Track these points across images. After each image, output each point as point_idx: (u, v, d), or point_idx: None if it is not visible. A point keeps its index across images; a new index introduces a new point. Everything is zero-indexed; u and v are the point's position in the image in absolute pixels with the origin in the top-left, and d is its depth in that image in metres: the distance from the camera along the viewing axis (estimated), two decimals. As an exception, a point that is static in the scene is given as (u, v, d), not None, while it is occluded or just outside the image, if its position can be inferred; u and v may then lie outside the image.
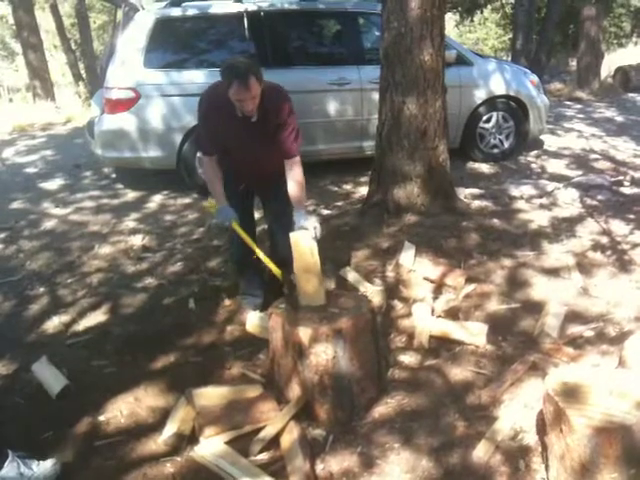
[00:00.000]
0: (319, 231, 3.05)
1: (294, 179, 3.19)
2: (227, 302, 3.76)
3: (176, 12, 5.91)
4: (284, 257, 3.27)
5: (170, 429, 2.59)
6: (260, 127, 3.12)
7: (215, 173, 3.28)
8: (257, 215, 3.81)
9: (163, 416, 2.73)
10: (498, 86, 6.59)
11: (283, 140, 3.16)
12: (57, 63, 23.04)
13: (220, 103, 3.06)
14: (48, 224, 5.38)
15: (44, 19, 20.68)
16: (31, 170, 7.43)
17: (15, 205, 5.98)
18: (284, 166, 3.22)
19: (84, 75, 17.08)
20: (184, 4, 6.01)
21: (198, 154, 5.41)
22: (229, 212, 3.25)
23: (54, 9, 17.26)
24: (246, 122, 3.10)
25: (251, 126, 3.12)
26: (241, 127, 3.13)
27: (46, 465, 2.40)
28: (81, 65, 17.81)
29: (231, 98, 2.95)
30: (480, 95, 6.52)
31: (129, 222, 5.34)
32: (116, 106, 5.68)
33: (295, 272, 2.86)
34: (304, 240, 2.82)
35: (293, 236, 2.84)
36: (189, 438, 2.58)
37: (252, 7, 6.02)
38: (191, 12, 5.96)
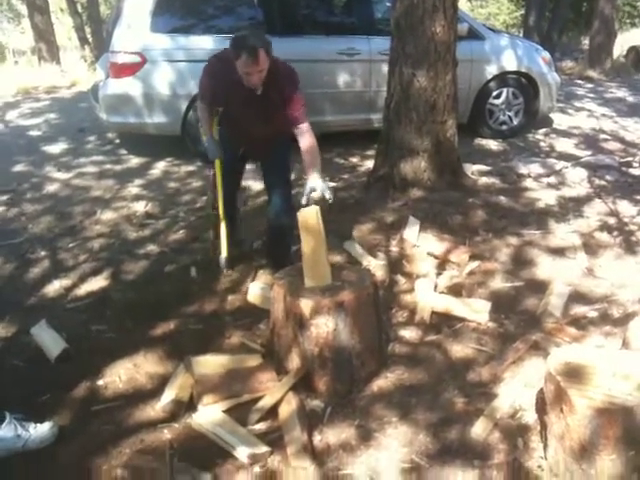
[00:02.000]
0: (328, 194, 2.96)
1: (305, 148, 3.13)
2: (229, 271, 3.74)
3: (185, -24, 5.80)
4: (275, 216, 3.52)
5: (168, 396, 2.58)
6: (264, 100, 3.13)
7: (209, 114, 3.43)
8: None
9: (162, 383, 2.72)
10: (509, 62, 6.49)
11: (288, 112, 3.13)
12: (63, 26, 22.81)
13: (228, 69, 3.02)
14: (51, 188, 5.35)
15: (51, -19, 20.44)
16: (34, 133, 7.38)
17: (18, 168, 5.93)
18: (284, 130, 3.22)
19: (90, 39, 16.90)
20: (193, -32, 5.91)
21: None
22: (216, 149, 3.47)
23: (61, -30, 17.03)
24: (251, 93, 3.09)
25: (255, 98, 3.12)
26: (245, 97, 3.13)
27: (43, 428, 2.40)
28: (87, 29, 17.61)
29: (238, 69, 2.94)
30: (491, 70, 6.43)
31: (132, 188, 5.30)
32: (121, 70, 5.60)
33: (302, 252, 2.79)
34: (312, 219, 2.72)
35: (301, 214, 2.75)
36: (187, 405, 2.57)
37: (262, -27, 5.91)
38: (200, -24, 5.86)
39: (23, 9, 20.97)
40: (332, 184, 5.24)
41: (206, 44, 5.65)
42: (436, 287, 3.44)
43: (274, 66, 3.03)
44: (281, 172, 3.52)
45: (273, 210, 3.53)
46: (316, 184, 2.97)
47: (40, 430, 2.40)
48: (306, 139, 3.13)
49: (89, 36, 17.21)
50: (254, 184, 5.28)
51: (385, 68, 4.90)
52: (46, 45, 13.88)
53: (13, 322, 3.26)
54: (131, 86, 5.60)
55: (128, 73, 5.59)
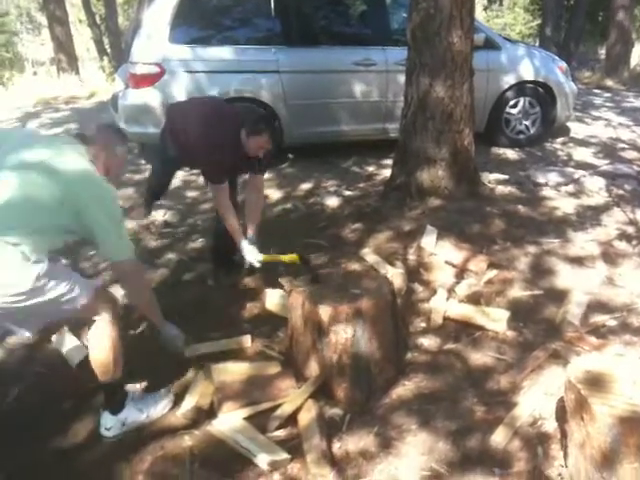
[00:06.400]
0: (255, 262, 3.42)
1: (256, 199, 3.66)
2: (247, 279, 3.76)
3: (203, -12, 5.87)
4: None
5: (189, 402, 2.61)
6: (253, 160, 3.46)
7: (232, 207, 3.48)
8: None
9: (182, 390, 2.75)
10: (526, 71, 6.49)
11: (262, 166, 3.59)
12: (81, 37, 23.10)
13: (232, 143, 3.34)
14: (71, 197, 5.41)
15: (70, -8, 20.71)
16: (55, 143, 7.47)
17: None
18: None
19: (108, 50, 17.10)
20: (211, -20, 5.99)
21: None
22: (256, 251, 3.48)
23: (80, -17, 17.27)
24: (245, 156, 3.42)
25: (247, 159, 3.45)
26: (242, 160, 3.43)
27: (160, 395, 2.68)
28: (105, 40, 17.82)
29: (255, 144, 3.31)
30: (508, 80, 6.43)
31: (151, 197, 5.34)
32: (140, 81, 5.67)
33: None
34: None
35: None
36: (207, 412, 2.60)
37: (279, -16, 5.97)
38: (218, -12, 5.93)
39: (43, 20, 21.29)
40: (348, 193, 5.27)
41: (224, 55, 5.72)
42: (455, 296, 3.44)
43: None
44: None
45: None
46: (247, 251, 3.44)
47: (158, 399, 2.63)
48: (261, 189, 3.70)
49: (107, 47, 17.41)
50: (273, 193, 5.33)
51: (401, 78, 4.92)
52: (66, 56, 14.06)
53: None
54: (150, 96, 5.66)
55: (147, 84, 5.65)
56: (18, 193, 2.11)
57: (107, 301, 2.42)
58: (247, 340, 3.11)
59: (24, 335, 2.43)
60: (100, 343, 2.40)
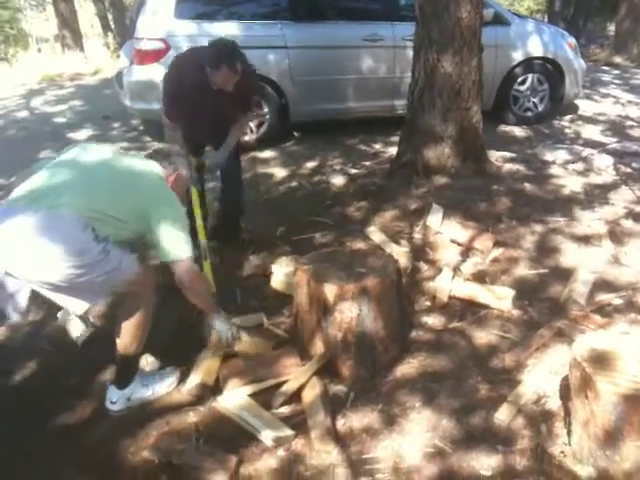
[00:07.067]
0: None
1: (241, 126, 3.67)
2: (252, 257, 3.76)
3: (208, -39, 5.80)
4: (232, 198, 3.76)
5: (194, 379, 2.62)
6: (231, 96, 3.29)
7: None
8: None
9: (188, 366, 2.75)
10: (535, 47, 6.42)
11: (247, 103, 3.54)
12: (85, 13, 22.91)
13: (193, 74, 3.24)
14: (76, 174, 5.40)
15: (74, -32, 20.48)
16: (60, 120, 7.46)
17: (43, 154, 5.98)
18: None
19: (113, 26, 16.96)
20: (217, -47, 5.91)
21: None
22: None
23: (84, -42, 17.09)
24: (220, 93, 3.25)
25: (224, 96, 3.27)
26: (213, 97, 3.29)
27: (166, 373, 2.69)
28: (110, 16, 17.67)
29: (215, 79, 3.16)
30: (516, 56, 6.37)
31: (156, 174, 5.32)
32: (146, 57, 5.63)
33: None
34: None
35: None
36: (213, 389, 2.61)
37: (285, -42, 5.89)
38: (223, -38, 5.86)
39: (47, -4, 21.12)
40: (354, 171, 5.25)
41: (230, 30, 5.66)
42: (460, 274, 3.43)
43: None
44: (236, 161, 3.75)
45: (226, 187, 3.79)
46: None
47: (164, 376, 2.64)
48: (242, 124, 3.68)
49: (111, 23, 17.27)
50: (279, 171, 5.31)
51: (409, 54, 4.87)
52: (70, 32, 13.99)
53: (41, 306, 3.31)
54: (155, 73, 5.59)
55: (152, 60, 5.61)
56: (105, 183, 2.33)
57: (148, 276, 2.48)
58: (261, 317, 3.10)
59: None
60: (133, 316, 2.45)
